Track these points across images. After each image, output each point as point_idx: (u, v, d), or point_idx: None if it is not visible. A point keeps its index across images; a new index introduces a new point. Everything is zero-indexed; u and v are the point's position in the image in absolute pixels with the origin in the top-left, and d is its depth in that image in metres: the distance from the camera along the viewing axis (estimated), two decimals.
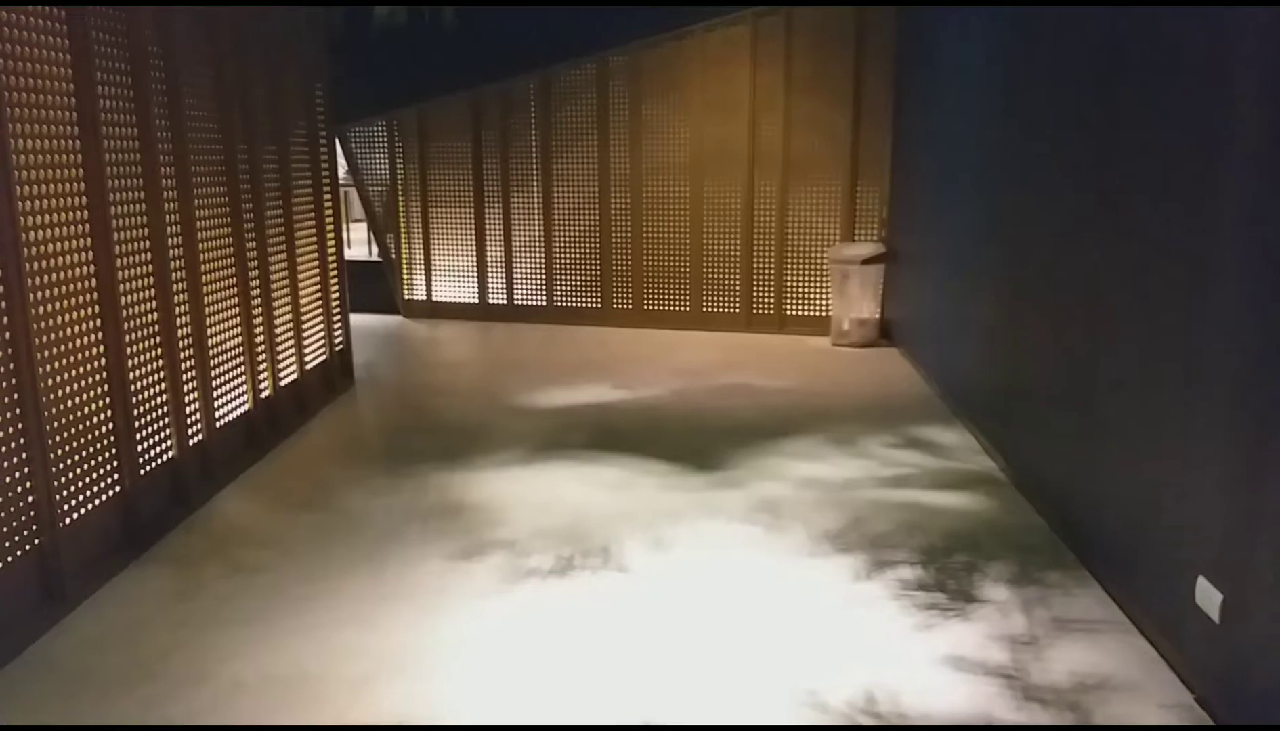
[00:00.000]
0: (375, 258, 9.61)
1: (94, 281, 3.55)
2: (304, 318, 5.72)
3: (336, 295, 6.30)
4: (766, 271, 8.34)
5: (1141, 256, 3.15)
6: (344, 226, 6.78)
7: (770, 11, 7.87)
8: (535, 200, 8.84)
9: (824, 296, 8.22)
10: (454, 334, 8.70)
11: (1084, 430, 3.62)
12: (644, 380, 6.66)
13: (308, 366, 5.76)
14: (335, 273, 6.26)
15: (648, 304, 8.70)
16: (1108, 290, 3.41)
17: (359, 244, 11.10)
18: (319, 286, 6.00)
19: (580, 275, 8.86)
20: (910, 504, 4.28)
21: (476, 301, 9.19)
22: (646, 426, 5.55)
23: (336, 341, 6.31)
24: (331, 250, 6.21)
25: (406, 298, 9.39)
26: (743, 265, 8.36)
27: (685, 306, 8.61)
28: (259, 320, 5.05)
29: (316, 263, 5.96)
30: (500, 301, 9.13)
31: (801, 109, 7.98)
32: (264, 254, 5.12)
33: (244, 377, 4.89)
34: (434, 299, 9.32)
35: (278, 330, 5.31)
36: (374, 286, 9.40)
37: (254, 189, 5.00)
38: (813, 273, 8.24)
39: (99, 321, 3.58)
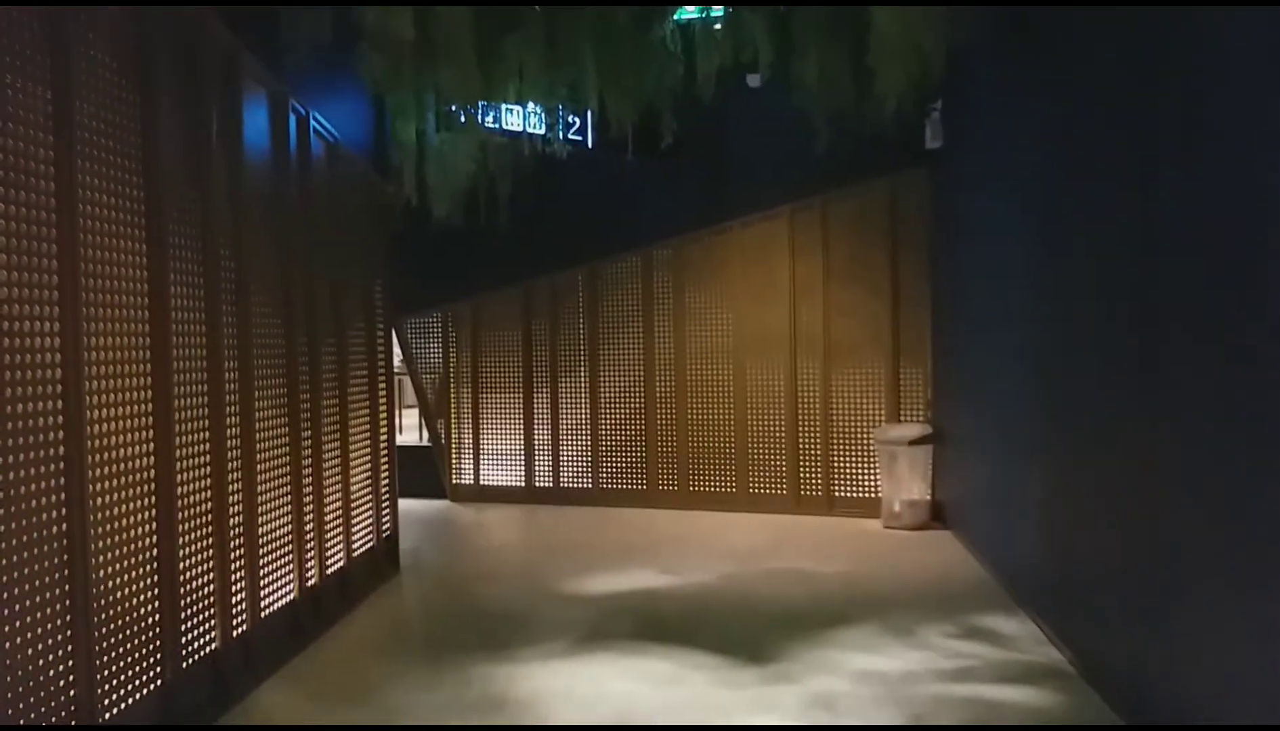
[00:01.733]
0: (425, 442, 9.77)
1: (153, 472, 3.65)
2: (354, 505, 5.77)
3: (386, 482, 6.37)
4: (813, 452, 8.30)
5: (1196, 423, 3.09)
6: (396, 413, 6.94)
7: (804, 207, 8.22)
8: (582, 384, 9.02)
9: (872, 478, 8.12)
10: (499, 517, 8.68)
11: (1151, 610, 3.45)
12: (691, 564, 6.54)
13: (355, 553, 5.76)
14: (386, 460, 6.37)
15: (693, 486, 8.66)
16: (1166, 460, 3.33)
17: (409, 430, 11.31)
18: (370, 474, 6.08)
19: (625, 457, 8.89)
20: (974, 700, 4.05)
21: (523, 485, 9.22)
22: (695, 614, 5.39)
23: (384, 528, 6.33)
24: (384, 438, 6.34)
25: (454, 482, 9.47)
26: (788, 447, 8.35)
27: (731, 488, 8.54)
28: (309, 509, 5.11)
29: (369, 451, 6.08)
30: (546, 484, 9.15)
31: (840, 294, 8.17)
32: (318, 443, 5.24)
33: (291, 566, 4.89)
34: (481, 482, 9.38)
35: (328, 518, 5.35)
36: (422, 471, 9.50)
37: (312, 380, 5.18)
38: (860, 454, 8.18)
39: (154, 511, 3.65)
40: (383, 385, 6.36)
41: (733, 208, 8.43)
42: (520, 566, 6.79)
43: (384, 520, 6.33)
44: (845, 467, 8.23)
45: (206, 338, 4.08)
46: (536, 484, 9.19)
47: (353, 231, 5.95)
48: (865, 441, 8.14)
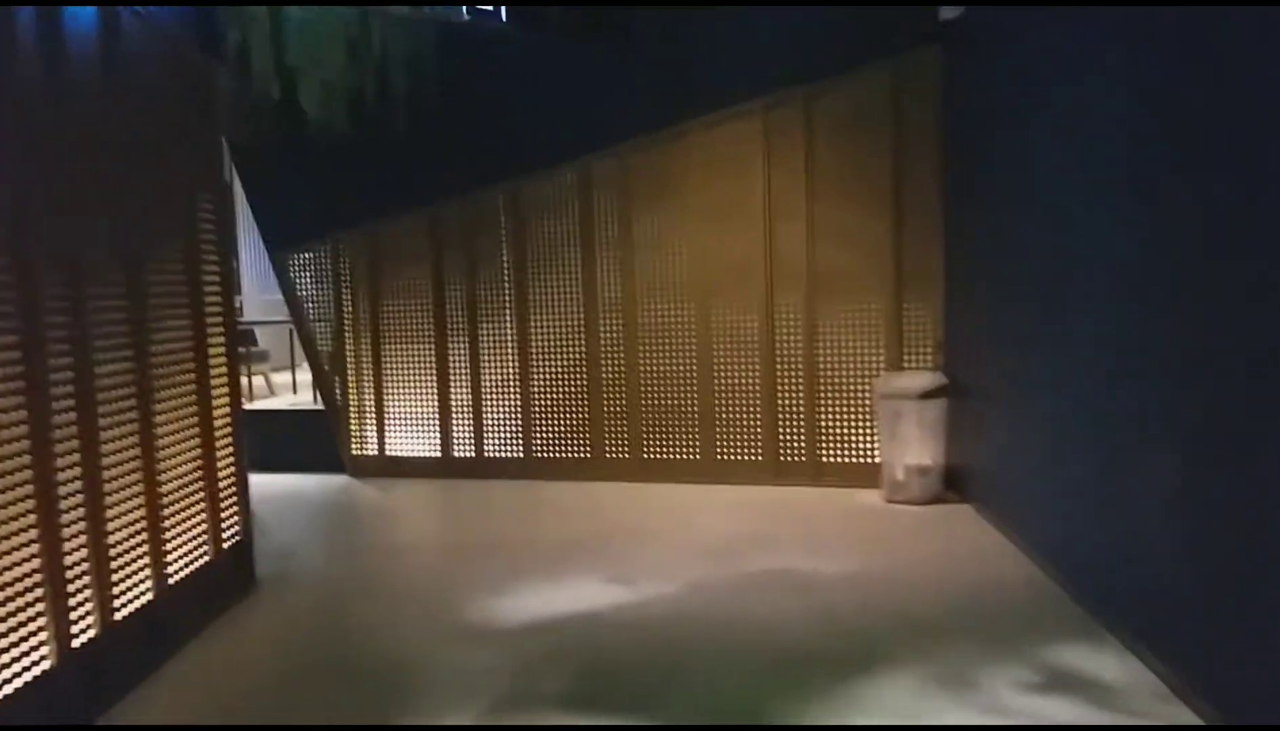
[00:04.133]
0: (320, 406, 7.99)
1: None
2: (169, 511, 4.04)
3: (230, 472, 4.64)
4: (795, 409, 6.73)
5: None
6: (245, 377, 5.13)
7: (782, 103, 6.52)
8: (508, 332, 7.30)
9: (869, 439, 6.60)
10: (406, 498, 7.00)
11: None
12: (650, 566, 4.96)
13: (174, 579, 4.06)
14: (228, 442, 4.63)
15: (649, 452, 7.05)
16: None
17: (305, 388, 9.49)
18: (198, 465, 4.34)
19: (565, 419, 7.24)
20: None
21: (438, 455, 7.53)
22: (660, 656, 3.81)
23: (229, 533, 4.62)
24: (222, 413, 4.59)
25: (355, 453, 7.73)
26: (765, 403, 6.76)
27: (695, 454, 6.96)
28: (76, 536, 3.37)
29: (195, 432, 4.33)
30: (467, 454, 7.47)
31: (828, 214, 6.54)
32: (91, 429, 3.48)
33: (42, 623, 3.18)
34: (387, 453, 7.66)
35: (115, 543, 3.62)
36: (320, 440, 7.76)
37: (75, 341, 3.41)
38: (853, 410, 6.63)
39: None
40: (219, 340, 4.60)
41: (691, 104, 6.69)
42: (423, 574, 5.13)
43: (228, 523, 4.61)
44: (835, 427, 6.68)
45: None
46: (455, 454, 7.51)
47: (157, 131, 4.13)
48: (861, 395, 6.59)
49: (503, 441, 7.39)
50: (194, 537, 4.27)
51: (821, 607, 4.28)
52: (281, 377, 10.05)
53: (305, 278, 7.70)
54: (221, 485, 4.56)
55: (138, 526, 3.80)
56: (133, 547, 3.76)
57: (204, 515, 4.37)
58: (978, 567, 4.81)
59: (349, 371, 7.68)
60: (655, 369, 6.98)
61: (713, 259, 6.76)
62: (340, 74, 6.09)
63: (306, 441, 7.86)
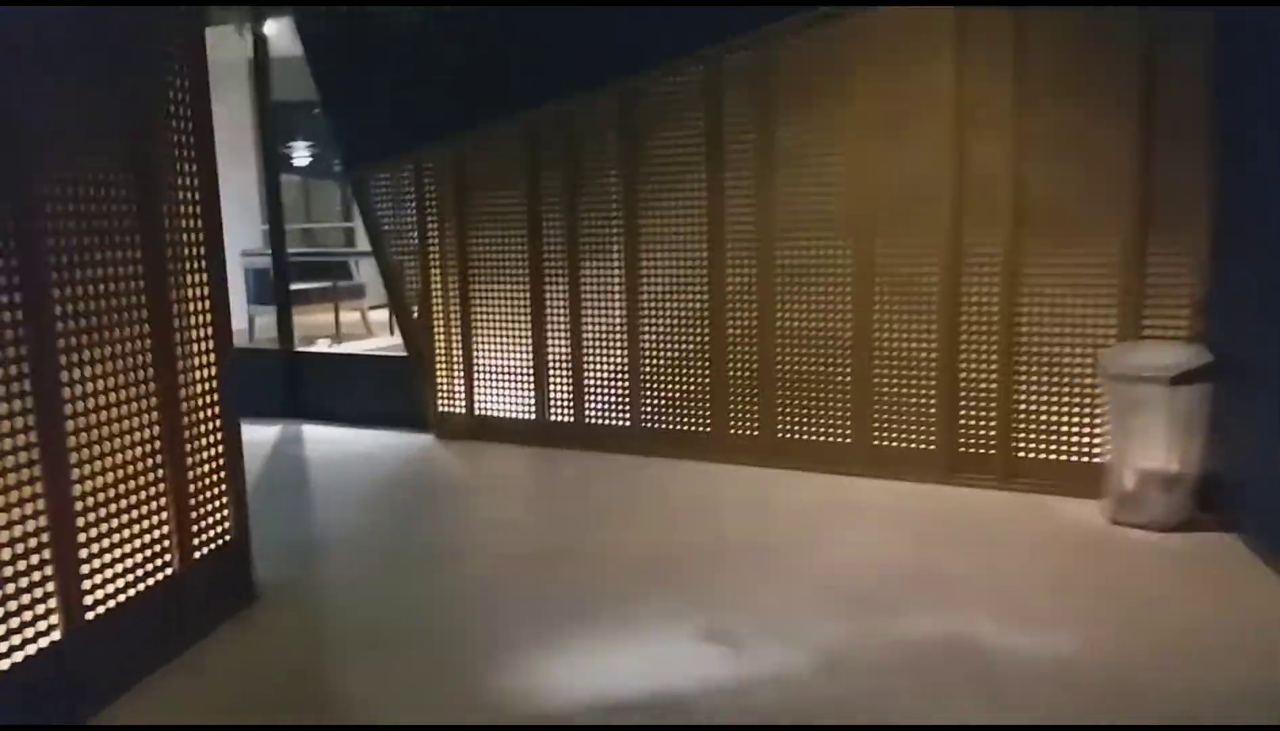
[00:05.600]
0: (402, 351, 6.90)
1: None
2: (93, 514, 2.94)
3: (212, 448, 3.51)
4: (984, 386, 5.06)
5: None
6: (228, 324, 4.06)
7: None
8: (616, 270, 5.92)
9: (1085, 430, 4.86)
10: (485, 474, 5.82)
11: None
12: (766, 614, 3.53)
13: (115, 602, 2.98)
14: (208, 405, 3.49)
15: (783, 431, 5.56)
16: None
17: (382, 328, 8.45)
18: (163, 447, 3.22)
19: (680, 384, 5.83)
20: None
21: (533, 417, 6.30)
22: None
23: (208, 536, 3.51)
24: (203, 375, 3.45)
25: (440, 410, 6.62)
26: (943, 375, 5.12)
27: (844, 437, 5.41)
28: None
29: (158, 404, 3.20)
30: (565, 418, 6.20)
31: (1043, 122, 4.73)
32: None
33: None
34: (476, 411, 6.51)
35: (19, 553, 2.53)
36: (401, 390, 6.70)
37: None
38: (1066, 390, 4.89)
39: None
40: (199, 261, 3.44)
41: None
42: (458, 603, 3.86)
43: (205, 521, 3.50)
44: (1038, 413, 4.97)
45: None
46: (551, 417, 6.26)
47: None
48: (1079, 371, 4.85)
49: (606, 406, 6.07)
50: (141, 547, 3.17)
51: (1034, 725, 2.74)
52: (380, 315, 9.09)
53: (386, 204, 6.55)
54: (207, 469, 3.44)
55: (33, 541, 2.70)
56: (29, 569, 2.66)
57: (163, 513, 3.27)
58: (1272, 651, 3.11)
59: (435, 313, 6.53)
60: (796, 325, 5.44)
61: (879, 184, 5.10)
62: None
63: (393, 392, 6.82)
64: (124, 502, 3.08)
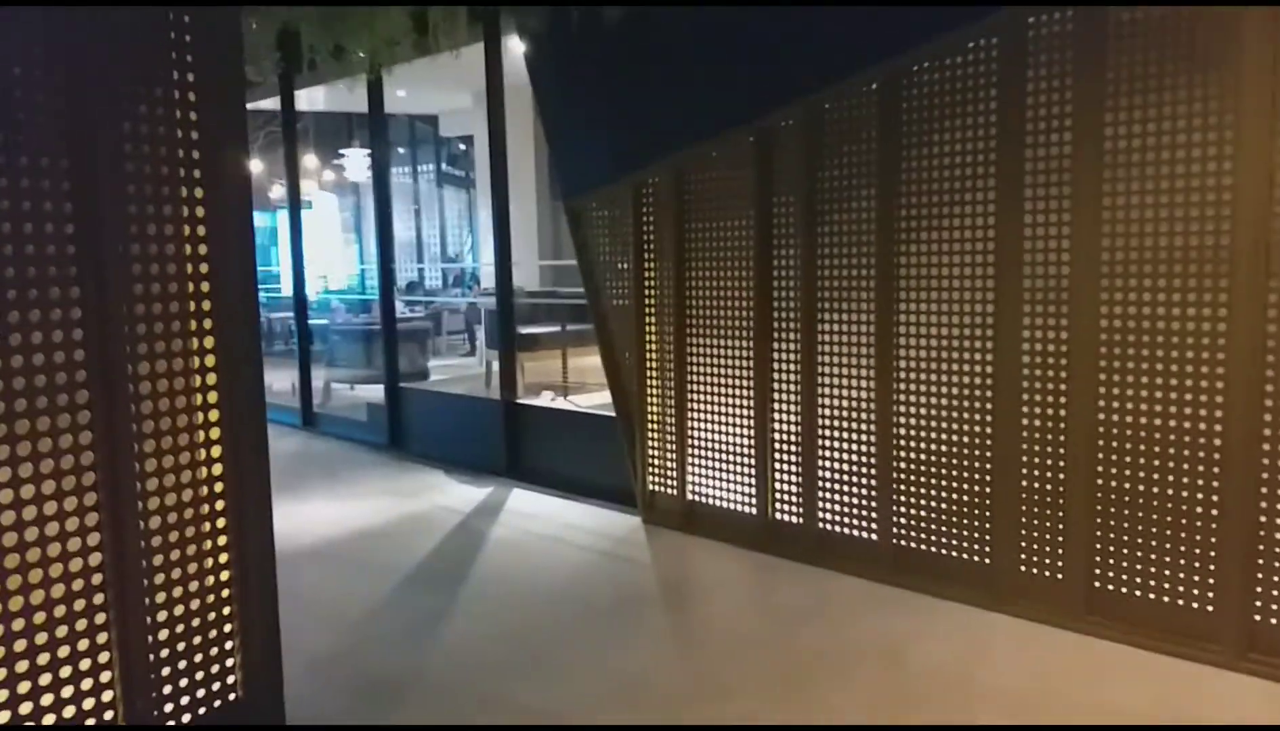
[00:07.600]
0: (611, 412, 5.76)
1: None
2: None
3: (217, 556, 2.54)
4: None
5: None
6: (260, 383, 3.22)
7: None
8: (864, 326, 4.34)
9: None
10: (688, 588, 4.49)
11: None
12: None
13: None
14: (209, 496, 2.52)
15: (1102, 576, 3.63)
16: None
17: (595, 376, 7.29)
18: (109, 542, 2.29)
19: (949, 490, 4.09)
20: None
21: (753, 512, 4.85)
22: None
23: (195, 696, 2.53)
24: (195, 443, 2.50)
25: (651, 487, 5.39)
26: None
27: (1206, 601, 3.38)
28: None
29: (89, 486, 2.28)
30: (792, 518, 4.69)
31: None
32: None
33: None
34: (689, 496, 5.19)
35: None
36: (619, 460, 5.58)
37: None
38: None
39: None
40: (187, 315, 2.51)
41: None
42: None
43: (203, 671, 2.51)
44: None
45: None
46: (776, 515, 4.77)
47: None
48: None
49: (845, 510, 4.47)
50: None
51: None
52: None
53: (597, 232, 5.50)
54: (173, 591, 2.47)
55: None
56: None
57: (100, 657, 2.32)
58: None
59: (649, 371, 5.34)
60: (1132, 418, 3.52)
61: None
62: None
63: (609, 458, 5.72)
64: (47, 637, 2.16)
